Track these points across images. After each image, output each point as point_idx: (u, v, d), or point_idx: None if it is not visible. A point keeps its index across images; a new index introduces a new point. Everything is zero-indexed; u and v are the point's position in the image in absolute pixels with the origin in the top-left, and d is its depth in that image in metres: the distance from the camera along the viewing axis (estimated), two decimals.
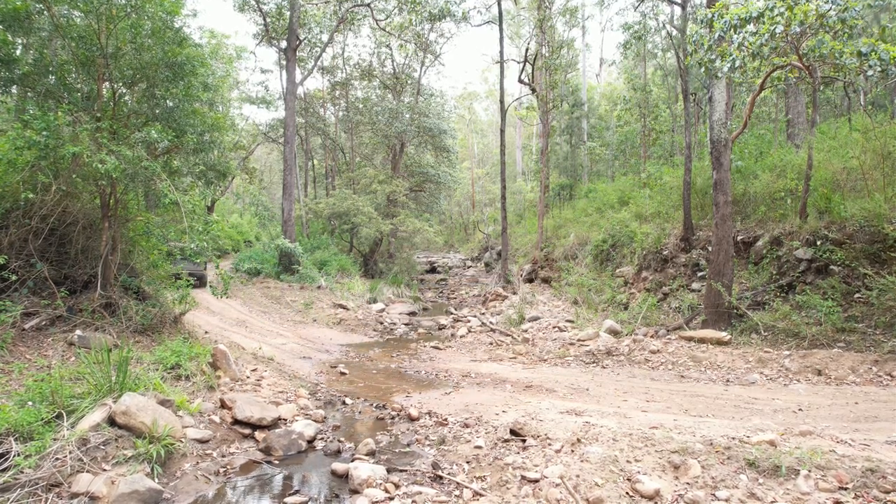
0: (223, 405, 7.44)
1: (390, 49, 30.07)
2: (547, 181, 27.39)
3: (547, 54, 25.72)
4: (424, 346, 13.44)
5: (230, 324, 14.35)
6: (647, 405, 7.96)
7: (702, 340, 10.66)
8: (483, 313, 18.69)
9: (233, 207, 41.84)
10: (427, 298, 24.04)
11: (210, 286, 11.27)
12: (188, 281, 10.57)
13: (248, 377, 9.06)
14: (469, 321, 16.53)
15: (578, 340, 11.87)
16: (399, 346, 13.74)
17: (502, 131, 24.04)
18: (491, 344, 13.25)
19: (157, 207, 9.05)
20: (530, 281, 24.81)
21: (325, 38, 25.81)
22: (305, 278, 19.08)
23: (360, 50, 60.92)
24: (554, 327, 13.52)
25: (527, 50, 26.26)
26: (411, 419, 7.78)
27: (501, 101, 23.91)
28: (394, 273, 25.47)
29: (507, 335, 13.85)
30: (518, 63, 26.43)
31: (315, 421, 7.70)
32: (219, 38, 31.93)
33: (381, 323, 16.65)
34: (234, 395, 7.88)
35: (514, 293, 22.28)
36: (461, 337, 14.63)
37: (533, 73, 26.32)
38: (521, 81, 26.24)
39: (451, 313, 19.30)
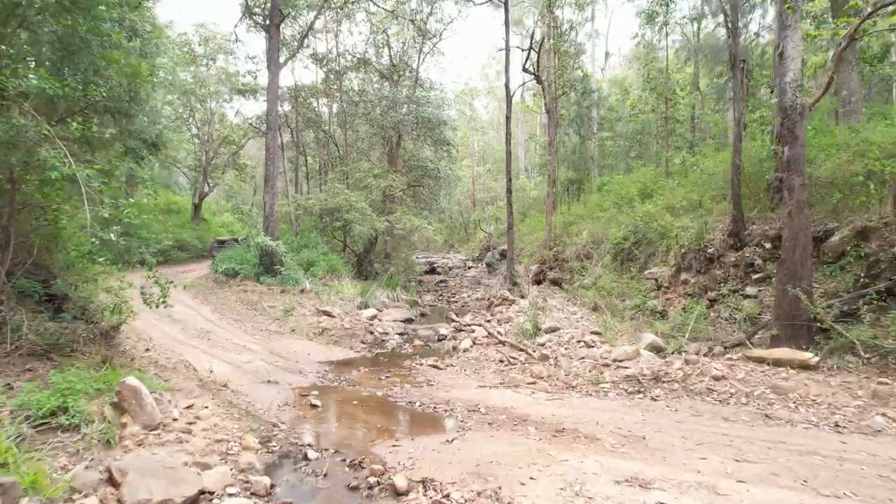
0: (110, 479, 4.79)
1: (387, 35, 27.43)
2: (555, 175, 24.80)
3: (554, 38, 23.11)
4: (421, 364, 10.79)
5: (191, 335, 11.71)
6: (741, 469, 5.32)
7: (779, 363, 8.00)
8: (488, 321, 16.05)
9: (225, 206, 39.19)
10: (425, 302, 21.40)
11: (143, 293, 8.67)
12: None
13: (174, 420, 6.39)
14: (473, 330, 13.89)
15: (614, 361, 9.20)
16: (390, 363, 11.09)
17: (508, 118, 21.42)
18: (502, 362, 10.60)
19: (46, 186, 6.40)
20: (538, 283, 22.23)
21: (311, 16, 23.13)
22: (288, 280, 16.46)
23: (354, 38, 58.30)
24: (578, 341, 10.87)
25: (532, 36, 23.64)
26: (397, 493, 5.14)
27: (507, 87, 21.30)
28: (389, 274, 22.83)
29: (521, 349, 11.21)
30: (523, 51, 23.87)
31: (256, 495, 5.08)
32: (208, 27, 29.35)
33: (372, 333, 14.01)
34: (134, 456, 5.24)
35: (523, 297, 19.66)
36: (464, 351, 11.99)
37: (538, 61, 23.72)
38: (525, 70, 23.60)
39: (453, 320, 16.66)
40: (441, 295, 23.67)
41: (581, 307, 15.65)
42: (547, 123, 31.67)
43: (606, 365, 9.13)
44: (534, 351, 11.02)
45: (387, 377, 9.77)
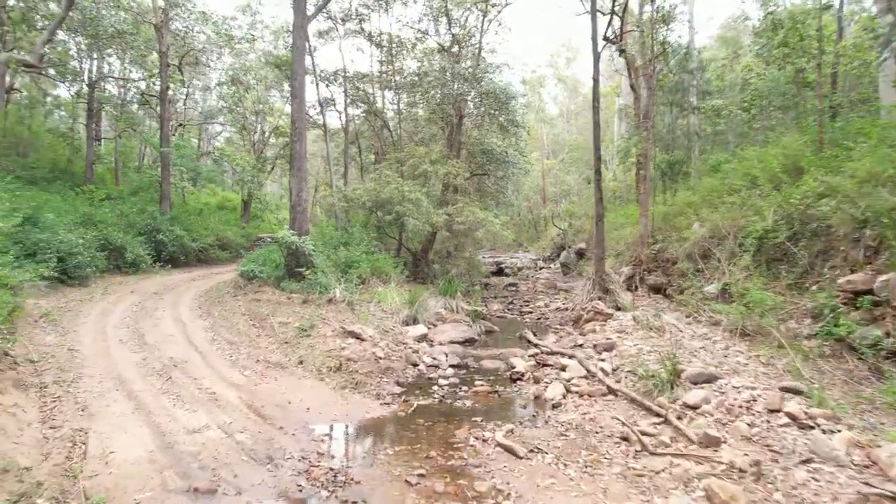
0: None
1: (445, 3, 22.92)
2: (650, 155, 19.55)
3: None
4: (485, 440, 6.15)
5: (148, 370, 7.63)
6: None
7: None
8: (579, 344, 11.22)
9: (280, 203, 36.09)
10: (492, 312, 16.76)
11: None
12: None
13: None
14: (564, 366, 9.11)
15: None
16: (434, 432, 6.52)
17: (596, 80, 16.40)
18: (626, 441, 5.83)
19: None
20: (631, 289, 17.20)
21: None
22: (314, 286, 12.32)
23: (409, 12, 54.89)
24: (770, 410, 5.87)
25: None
26: None
27: (594, 40, 16.27)
28: (448, 278, 18.38)
29: (656, 414, 6.38)
30: (604, 15, 18.77)
31: None
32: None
33: (415, 364, 9.52)
34: None
35: (619, 308, 14.71)
36: (555, 407, 7.29)
37: (622, 28, 18.68)
38: (606, 39, 18.49)
39: (529, 341, 11.96)
40: (511, 303, 18.96)
41: (712, 328, 10.58)
42: (634, 100, 26.25)
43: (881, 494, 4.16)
44: (680, 418, 6.16)
45: (422, 475, 5.25)
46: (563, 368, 9.10)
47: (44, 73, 20.82)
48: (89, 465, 4.85)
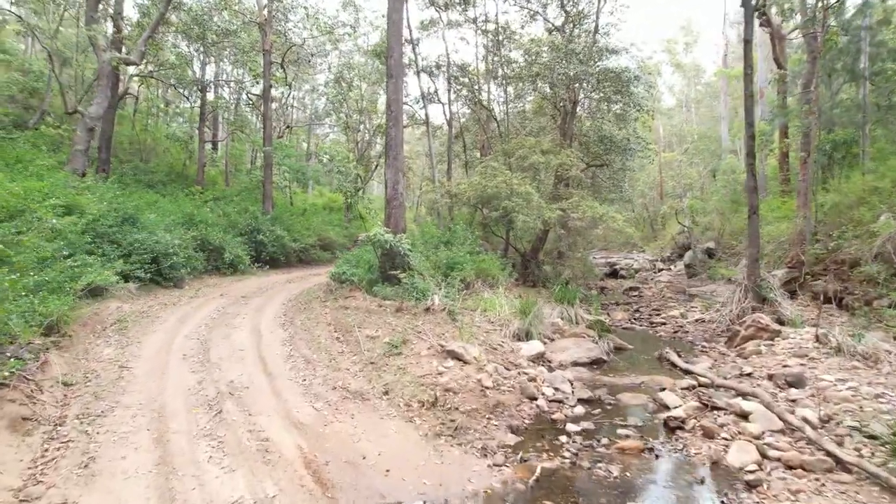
0: None
1: None
2: (813, 133, 15.68)
3: None
4: None
5: (200, 398, 6.00)
6: None
7: None
8: (747, 373, 8.26)
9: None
10: (616, 322, 13.98)
11: None
12: None
13: None
14: (745, 412, 6.32)
15: None
16: None
17: (748, 41, 13.03)
18: None
19: None
20: (789, 296, 13.70)
21: None
22: (410, 292, 10.40)
23: None
24: None
25: None
26: None
27: None
28: (562, 281, 15.77)
29: None
30: None
31: None
32: None
33: (533, 398, 7.15)
34: None
35: (780, 322, 11.38)
36: (751, 487, 4.66)
37: None
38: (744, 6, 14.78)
39: (676, 365, 9.18)
40: (637, 311, 15.96)
41: None
42: (777, 77, 21.82)
43: None
44: None
45: None
46: (745, 416, 6.29)
47: (158, 78, 21.02)
48: None
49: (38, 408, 5.05)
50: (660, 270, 28.52)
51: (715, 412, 6.58)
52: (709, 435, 5.87)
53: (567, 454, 5.62)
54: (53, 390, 5.52)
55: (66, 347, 6.74)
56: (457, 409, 6.35)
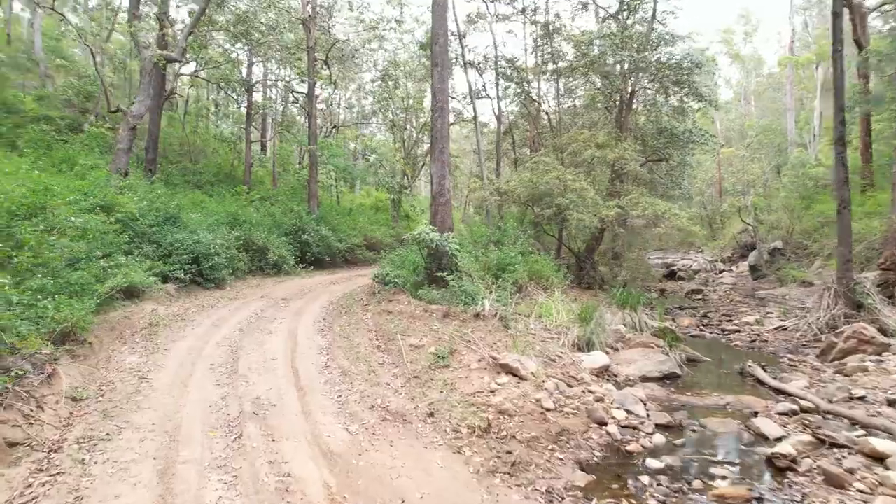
0: None
1: None
2: None
3: None
4: None
5: (220, 417, 5.23)
6: None
7: None
8: (859, 396, 6.86)
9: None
10: (683, 329, 12.57)
11: None
12: None
13: None
14: (881, 453, 5.03)
15: None
16: None
17: (837, 14, 11.39)
18: None
19: None
20: (888, 301, 11.95)
21: None
22: (458, 296, 9.45)
23: None
24: None
25: None
26: None
27: None
28: (621, 283, 14.45)
29: None
30: None
31: None
32: None
33: (601, 423, 6.03)
34: None
35: (882, 332, 9.77)
36: None
37: None
38: None
39: (765, 383, 7.85)
40: (705, 316, 14.46)
41: None
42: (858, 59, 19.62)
43: None
44: None
45: None
46: (878, 458, 4.98)
47: (204, 77, 20.93)
48: None
49: (34, 430, 4.38)
50: (721, 272, 26.69)
51: (834, 449, 5.30)
52: (835, 483, 4.62)
53: (642, 496, 4.50)
54: (58, 407, 4.86)
55: (84, 356, 6.14)
56: (513, 437, 5.33)
